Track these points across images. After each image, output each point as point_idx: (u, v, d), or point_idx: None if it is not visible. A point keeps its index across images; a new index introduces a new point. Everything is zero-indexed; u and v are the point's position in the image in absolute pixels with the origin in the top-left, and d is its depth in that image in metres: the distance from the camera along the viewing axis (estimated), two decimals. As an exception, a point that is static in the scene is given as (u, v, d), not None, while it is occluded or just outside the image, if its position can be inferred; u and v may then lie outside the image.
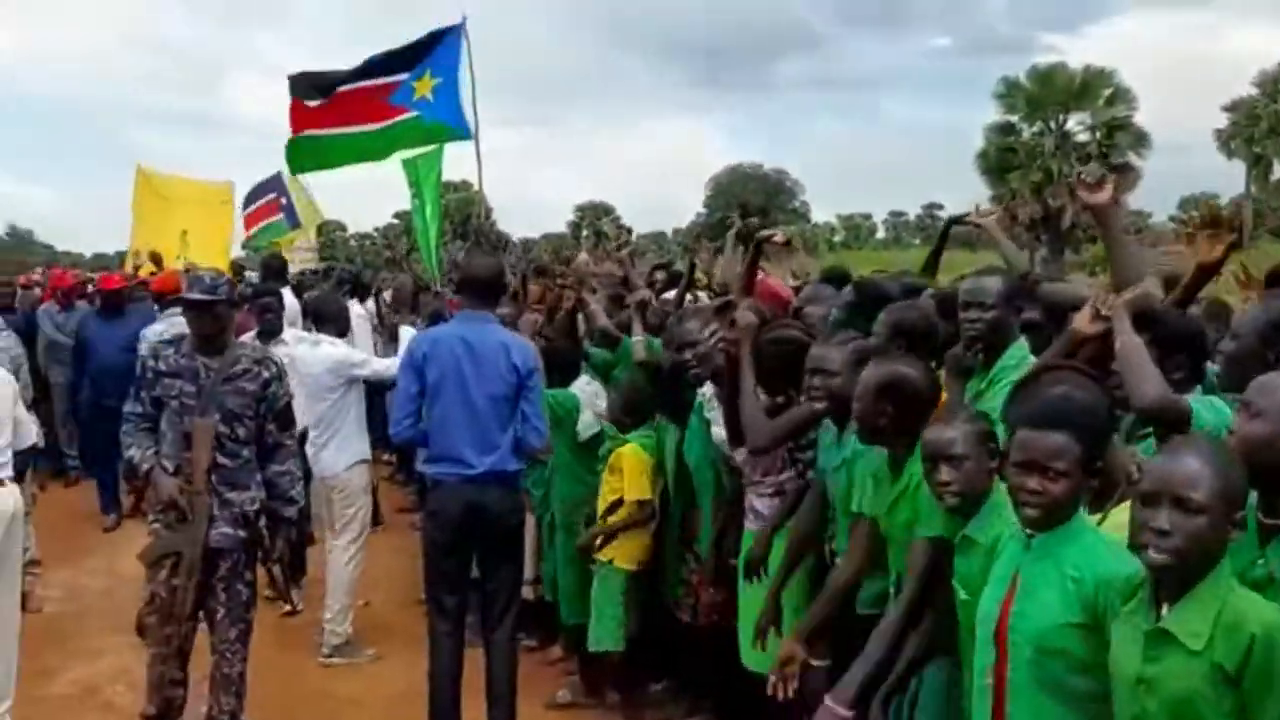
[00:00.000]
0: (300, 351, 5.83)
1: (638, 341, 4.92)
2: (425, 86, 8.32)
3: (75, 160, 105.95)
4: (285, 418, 4.39)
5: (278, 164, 10.34)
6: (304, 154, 8.93)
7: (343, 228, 53.19)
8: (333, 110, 8.61)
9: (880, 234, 65.85)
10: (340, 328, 6.05)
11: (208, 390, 4.16)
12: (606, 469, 4.79)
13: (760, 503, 3.92)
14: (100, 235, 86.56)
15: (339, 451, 5.74)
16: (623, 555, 4.70)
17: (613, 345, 5.15)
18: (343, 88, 8.56)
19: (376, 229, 57.88)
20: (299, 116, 8.65)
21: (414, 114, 8.48)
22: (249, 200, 12.07)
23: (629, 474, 4.67)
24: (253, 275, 10.83)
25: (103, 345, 8.14)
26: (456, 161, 8.64)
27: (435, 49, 8.39)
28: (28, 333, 8.65)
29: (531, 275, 7.23)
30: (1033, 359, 3.20)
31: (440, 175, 9.25)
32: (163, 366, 4.22)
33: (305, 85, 8.68)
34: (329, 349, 5.76)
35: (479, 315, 4.44)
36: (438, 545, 4.48)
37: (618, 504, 4.70)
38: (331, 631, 5.69)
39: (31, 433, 5.06)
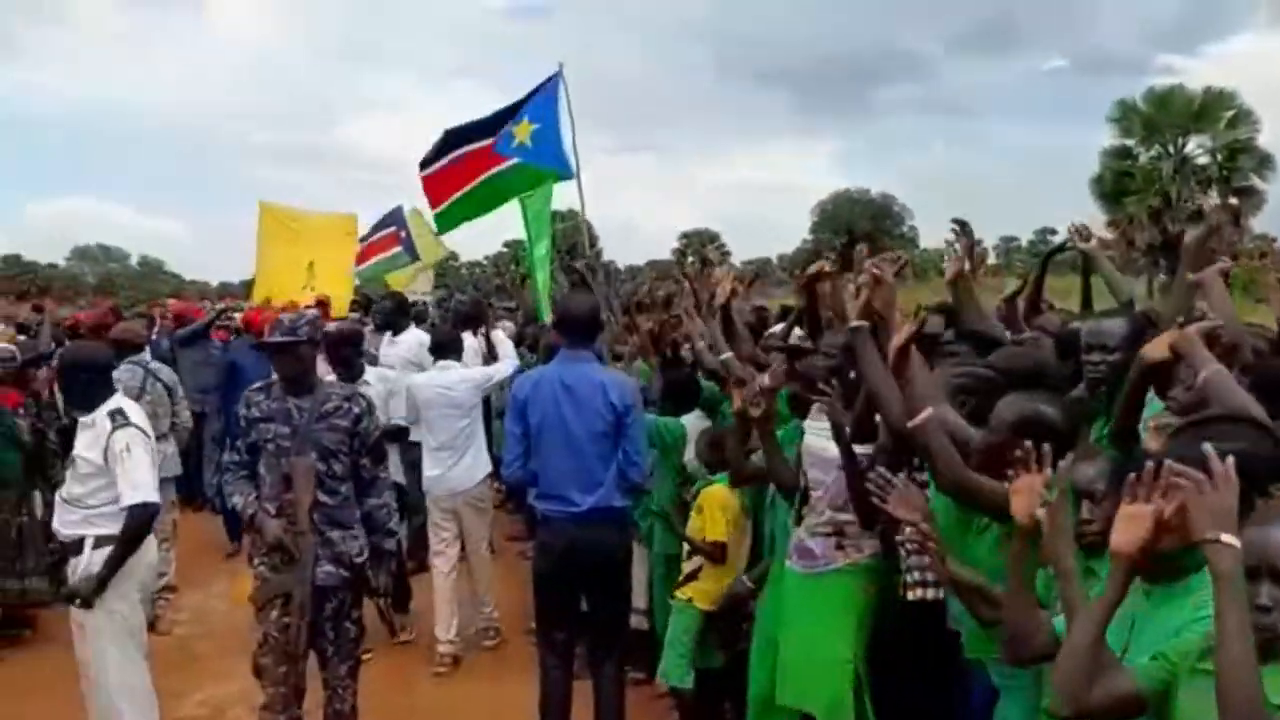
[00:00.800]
0: (431, 379, 6.28)
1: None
2: (524, 132, 8.51)
3: (200, 193, 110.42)
4: (378, 452, 4.43)
5: (388, 196, 10.60)
6: (446, 219, 9.44)
7: (455, 257, 54.35)
8: (455, 174, 9.00)
9: (992, 259, 64.46)
10: (457, 357, 6.47)
11: (302, 430, 4.20)
12: (694, 508, 4.77)
13: (814, 542, 3.76)
14: (225, 265, 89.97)
15: (474, 466, 6.21)
16: (701, 595, 4.65)
17: (722, 382, 5.00)
18: (458, 151, 8.93)
19: (487, 258, 58.88)
20: (433, 190, 9.10)
21: (516, 161, 8.70)
22: (368, 234, 12.32)
23: (709, 514, 4.64)
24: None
25: (256, 378, 8.19)
26: (562, 192, 8.75)
27: (533, 96, 8.61)
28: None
29: (634, 309, 7.24)
30: (1159, 403, 3.05)
31: (549, 212, 9.43)
32: (256, 413, 4.27)
33: (430, 155, 9.09)
34: (461, 371, 6.32)
35: (577, 354, 4.52)
36: (546, 580, 4.56)
37: (704, 543, 4.65)
38: (487, 618, 6.34)
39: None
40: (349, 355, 6.22)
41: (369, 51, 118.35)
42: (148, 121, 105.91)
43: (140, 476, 4.23)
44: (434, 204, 9.34)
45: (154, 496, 4.30)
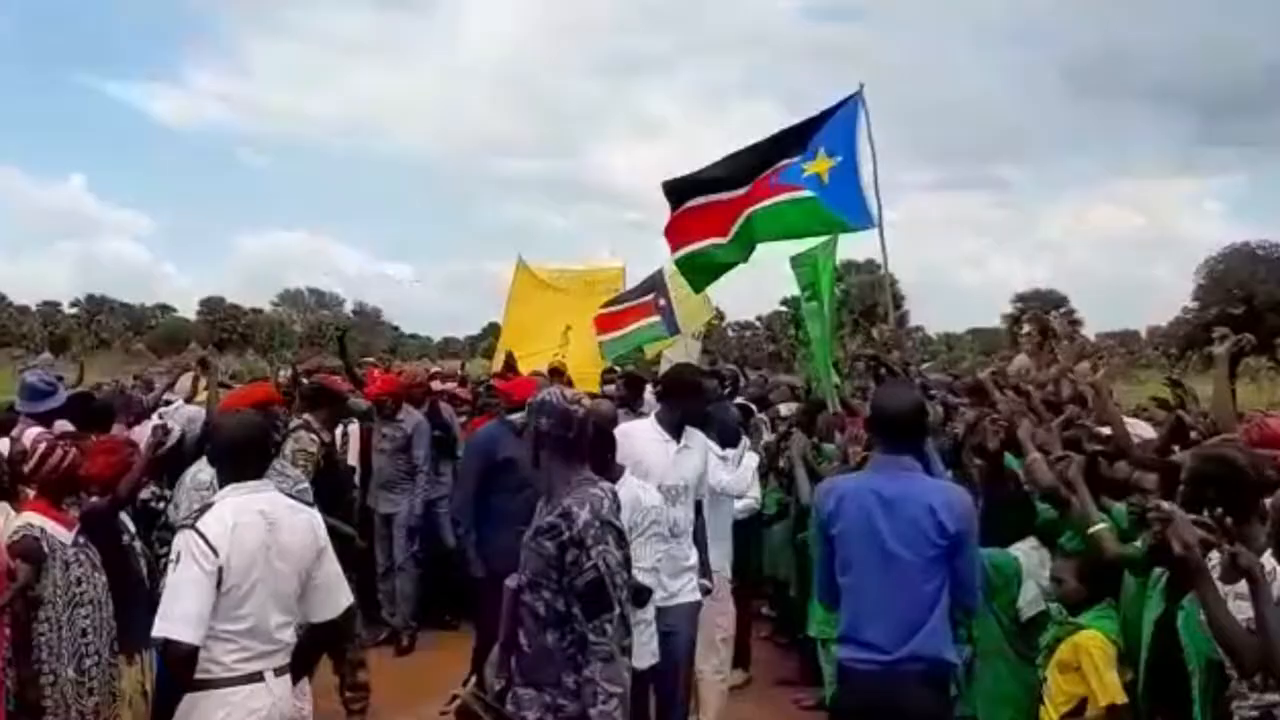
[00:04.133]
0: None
1: (1100, 529, 4.56)
2: (822, 167, 8.56)
3: (432, 230, 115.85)
4: (593, 601, 3.91)
5: (655, 241, 10.60)
6: (697, 270, 9.47)
7: (719, 315, 55.24)
8: (713, 218, 9.10)
9: None
10: (726, 438, 6.74)
11: (525, 543, 4.10)
12: (1053, 663, 4.62)
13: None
14: (453, 319, 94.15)
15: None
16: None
17: (1063, 505, 4.82)
18: (724, 195, 9.05)
19: (759, 318, 59.54)
20: (677, 230, 9.25)
21: (806, 194, 8.73)
22: (621, 298, 12.52)
23: (1094, 670, 4.47)
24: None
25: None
26: (860, 239, 8.60)
27: (828, 123, 8.66)
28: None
29: (963, 393, 7.14)
30: None
31: (835, 271, 9.40)
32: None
33: (681, 191, 9.26)
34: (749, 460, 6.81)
35: (896, 461, 4.46)
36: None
37: (1078, 710, 4.49)
38: None
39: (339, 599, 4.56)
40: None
41: (639, 63, 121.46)
42: (376, 144, 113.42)
43: (173, 604, 4.00)
44: (674, 246, 9.32)
45: (184, 635, 3.96)
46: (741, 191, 8.94)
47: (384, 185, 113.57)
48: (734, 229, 8.97)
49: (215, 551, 4.01)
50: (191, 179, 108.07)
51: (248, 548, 4.09)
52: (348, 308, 72.66)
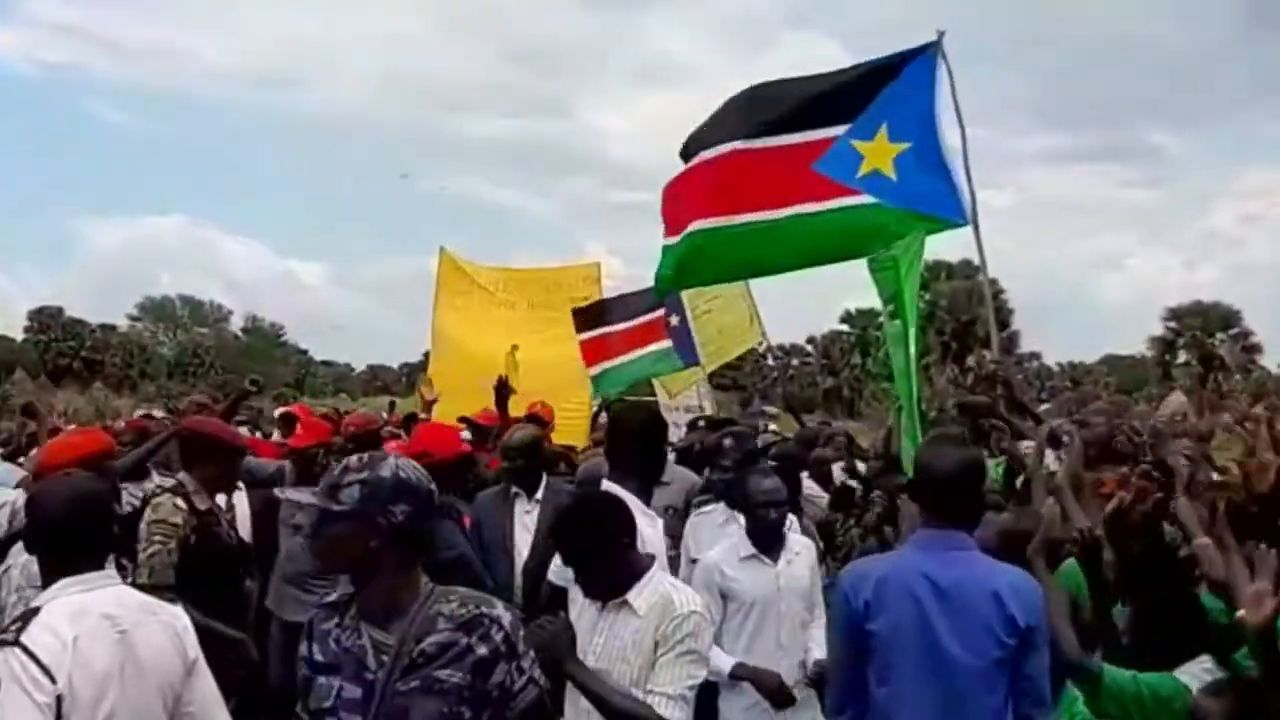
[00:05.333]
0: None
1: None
2: (881, 156, 8.50)
3: (360, 219, 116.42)
4: None
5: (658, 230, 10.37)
6: (680, 262, 9.49)
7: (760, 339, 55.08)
8: (726, 181, 9.21)
9: None
10: (759, 532, 6.87)
11: (378, 694, 3.80)
12: None
13: None
14: (385, 340, 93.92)
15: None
16: None
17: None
18: (744, 145, 9.16)
19: (812, 340, 59.58)
20: (676, 205, 9.43)
21: (864, 201, 8.71)
22: (606, 314, 12.43)
23: None
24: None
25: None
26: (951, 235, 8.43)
27: (891, 88, 8.68)
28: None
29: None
30: None
31: (920, 276, 9.38)
32: (319, 655, 3.96)
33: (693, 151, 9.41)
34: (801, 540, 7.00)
35: (947, 537, 4.69)
36: None
37: None
38: None
39: None
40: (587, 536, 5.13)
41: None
42: (285, 98, 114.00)
43: None
44: (672, 228, 9.49)
45: None
46: (762, 144, 8.92)
47: (295, 154, 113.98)
48: (756, 220, 8.98)
49: (51, 676, 3.98)
50: (19, 144, 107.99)
51: (96, 668, 4.10)
52: (235, 324, 72.67)
